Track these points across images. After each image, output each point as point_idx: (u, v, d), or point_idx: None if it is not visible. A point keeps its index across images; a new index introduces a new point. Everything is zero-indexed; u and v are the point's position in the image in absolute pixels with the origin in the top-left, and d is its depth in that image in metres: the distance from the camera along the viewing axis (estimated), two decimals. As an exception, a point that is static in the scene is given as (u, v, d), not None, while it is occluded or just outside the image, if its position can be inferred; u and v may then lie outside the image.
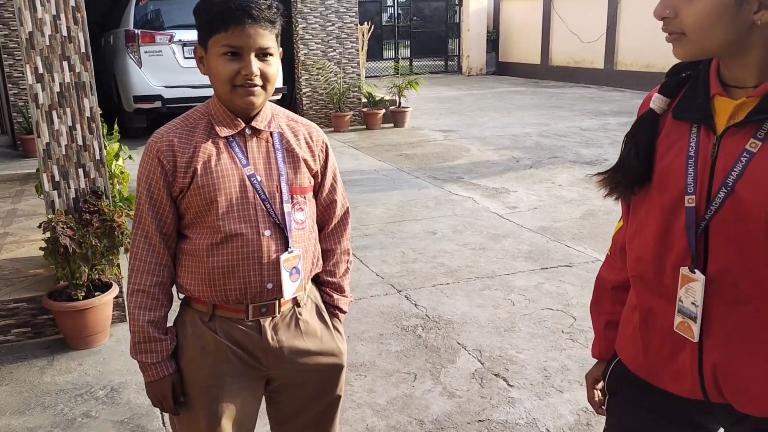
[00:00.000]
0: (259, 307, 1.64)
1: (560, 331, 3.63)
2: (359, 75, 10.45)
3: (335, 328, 1.78)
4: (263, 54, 1.56)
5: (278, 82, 1.61)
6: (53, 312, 3.51)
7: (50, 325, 3.62)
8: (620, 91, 14.12)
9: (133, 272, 1.64)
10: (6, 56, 8.48)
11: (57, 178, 3.52)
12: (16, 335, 3.60)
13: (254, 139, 1.65)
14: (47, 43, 3.40)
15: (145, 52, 8.56)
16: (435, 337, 3.58)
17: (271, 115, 1.68)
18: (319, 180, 1.76)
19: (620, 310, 1.45)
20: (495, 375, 3.19)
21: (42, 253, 3.52)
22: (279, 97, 9.32)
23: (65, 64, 3.44)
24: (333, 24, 10.03)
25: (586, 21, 15.61)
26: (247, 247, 1.60)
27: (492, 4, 18.53)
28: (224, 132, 1.63)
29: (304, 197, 1.69)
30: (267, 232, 1.61)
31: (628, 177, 1.29)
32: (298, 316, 1.70)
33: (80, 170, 3.56)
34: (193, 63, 8.68)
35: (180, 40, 8.70)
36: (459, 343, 3.51)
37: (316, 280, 1.80)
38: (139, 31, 8.60)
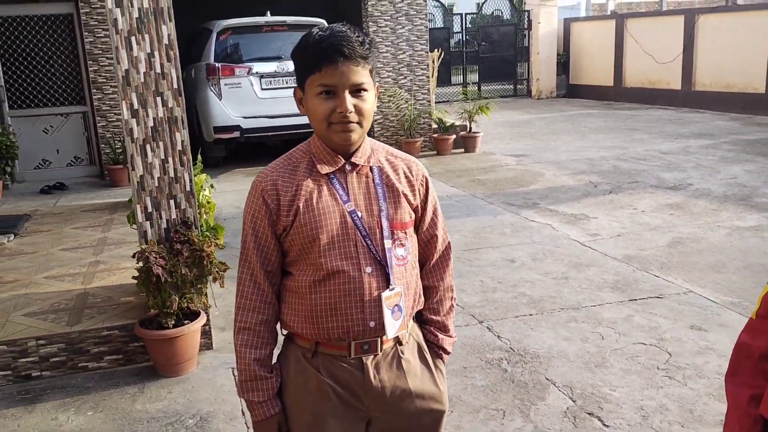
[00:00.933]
0: (362, 344, 1.63)
1: (655, 368, 3.46)
2: (429, 101, 10.47)
3: (438, 369, 1.74)
4: (357, 90, 1.57)
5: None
6: (144, 340, 3.61)
7: (141, 353, 3.72)
8: (699, 113, 13.63)
9: (239, 310, 1.66)
10: (95, 90, 8.92)
11: (149, 209, 3.64)
12: (109, 362, 3.71)
13: (354, 174, 1.66)
14: (142, 80, 3.54)
15: (225, 84, 8.84)
16: (522, 372, 3.48)
17: (370, 150, 1.69)
18: (420, 214, 1.74)
19: (765, 384, 1.30)
20: (589, 414, 3.06)
21: (132, 280, 3.64)
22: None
23: (159, 99, 3.57)
24: (404, 52, 10.12)
25: (661, 41, 15.20)
26: (349, 285, 1.60)
27: (562, 26, 18.32)
28: (325, 169, 1.64)
29: (405, 233, 1.68)
30: (368, 269, 1.60)
31: None
32: (401, 355, 1.68)
33: (171, 201, 3.67)
34: (270, 94, 8.94)
35: (258, 72, 8.95)
36: (548, 379, 3.40)
37: (419, 318, 1.77)
38: (220, 64, 8.90)
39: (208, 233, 4.09)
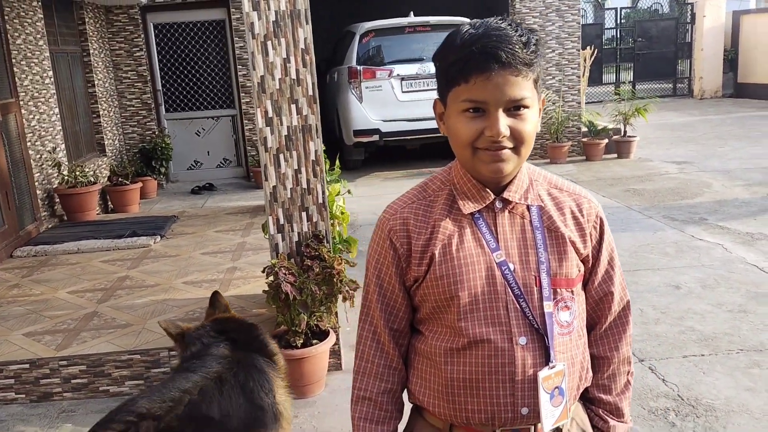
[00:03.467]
0: None
1: None
2: (579, 102, 9.78)
3: (608, 464, 1.35)
4: (515, 107, 1.21)
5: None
6: (272, 357, 3.45)
7: (269, 370, 3.57)
8: None
9: (359, 375, 1.36)
10: (243, 94, 9.16)
11: (281, 221, 3.49)
12: (238, 376, 3.60)
13: (506, 214, 1.29)
14: (277, 86, 3.39)
15: (366, 87, 8.74)
16: (694, 428, 2.93)
17: (528, 183, 1.32)
18: (590, 266, 1.35)
19: None
20: (785, 494, 2.49)
21: (263, 291, 3.50)
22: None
23: (293, 107, 3.40)
24: (553, 51, 9.52)
25: None
26: (497, 359, 1.24)
27: (730, 20, 16.62)
28: (468, 207, 1.29)
29: (571, 291, 1.30)
30: (522, 340, 1.24)
31: None
32: (561, 448, 1.30)
33: (303, 214, 3.49)
34: (410, 97, 8.72)
35: (399, 75, 8.77)
36: (727, 439, 2.84)
37: (584, 397, 1.39)
38: (361, 67, 8.81)
39: (340, 246, 3.89)
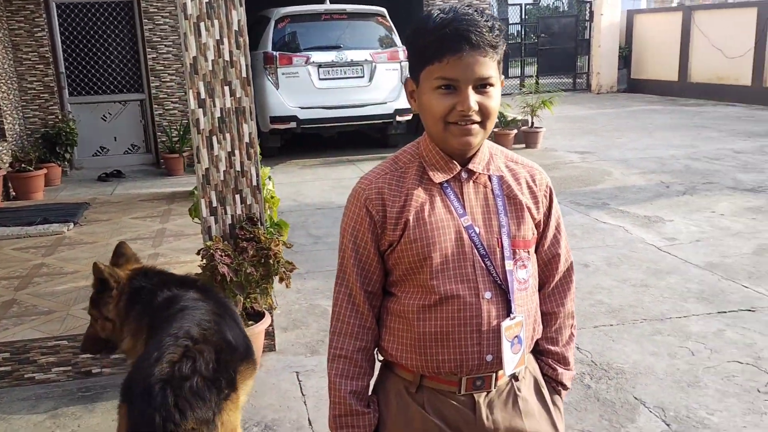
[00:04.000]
0: (474, 379, 1.41)
1: (755, 390, 3.15)
2: (489, 94, 10.14)
3: (556, 408, 1.52)
4: (482, 85, 1.34)
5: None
6: (206, 339, 3.46)
7: (202, 352, 3.58)
8: (772, 110, 12.94)
9: (335, 335, 1.46)
10: (153, 78, 8.90)
11: (214, 203, 3.49)
12: (170, 360, 3.58)
13: (471, 183, 1.43)
14: (210, 68, 3.38)
15: (283, 73, 8.71)
16: (607, 389, 3.21)
17: (489, 156, 1.46)
18: (542, 230, 1.50)
19: None
20: (688, 441, 2.79)
21: (195, 275, 3.49)
22: (409, 117, 9.20)
23: (227, 89, 3.41)
24: (465, 42, 9.83)
25: (731, 35, 14.48)
26: (465, 312, 1.37)
27: (625, 18, 17.66)
28: (438, 177, 1.42)
29: (528, 252, 1.45)
30: (487, 294, 1.38)
31: None
32: (517, 392, 1.45)
33: (237, 196, 3.51)
34: (327, 84, 8.76)
35: (315, 62, 8.79)
36: (636, 398, 3.12)
37: (534, 349, 1.54)
38: (277, 53, 8.76)
39: (272, 229, 3.92)
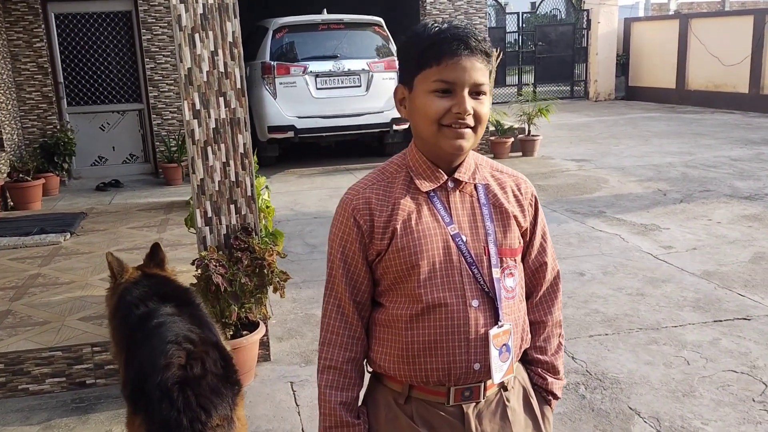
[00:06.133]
0: (462, 390, 1.41)
1: (750, 400, 3.15)
2: (487, 102, 10.17)
3: (545, 418, 1.52)
4: (476, 92, 1.37)
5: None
6: (201, 349, 3.46)
7: (197, 362, 3.57)
8: (769, 117, 12.98)
9: (325, 346, 1.46)
10: (151, 88, 8.93)
11: (209, 214, 3.50)
12: (165, 370, 3.58)
13: (457, 193, 1.45)
14: (205, 79, 3.40)
15: (280, 83, 8.73)
16: (602, 399, 3.21)
17: (474, 166, 1.47)
18: (528, 239, 1.52)
19: None
20: (682, 451, 2.78)
21: (191, 284, 3.49)
22: (406, 126, 9.21)
23: (221, 100, 3.42)
24: (462, 51, 9.86)
25: (727, 42, 14.54)
26: (452, 320, 1.38)
27: (622, 26, 17.74)
28: (425, 186, 1.43)
29: (514, 260, 1.46)
30: (474, 303, 1.39)
31: None
32: (506, 402, 1.46)
33: (232, 206, 3.52)
34: (324, 94, 8.79)
35: (313, 72, 8.82)
36: (631, 408, 3.12)
37: (523, 359, 1.55)
38: (275, 62, 8.79)
39: (267, 239, 3.93)
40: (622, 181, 7.90)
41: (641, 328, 3.96)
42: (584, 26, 17.76)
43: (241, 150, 3.47)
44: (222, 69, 3.40)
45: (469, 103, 1.35)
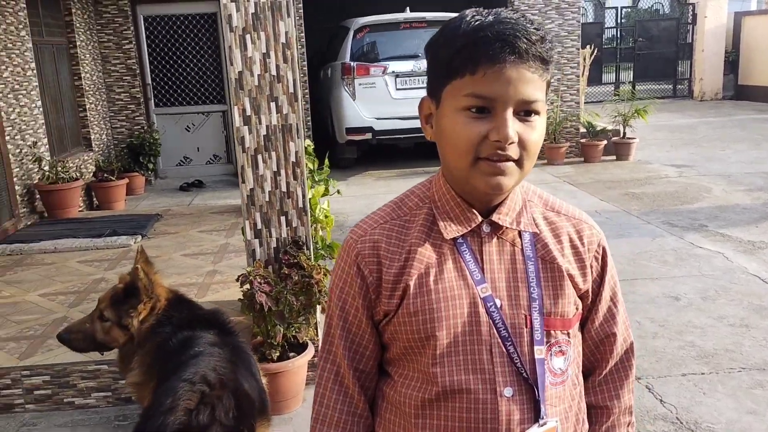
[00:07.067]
0: None
1: None
2: (578, 102, 9.58)
3: None
4: (526, 111, 1.01)
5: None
6: (247, 370, 3.26)
7: (244, 382, 3.38)
8: None
9: (318, 423, 1.15)
10: (234, 90, 8.95)
11: (259, 226, 3.29)
12: (212, 389, 3.41)
13: (494, 240, 1.10)
14: (256, 83, 3.18)
15: (360, 84, 8.54)
16: (693, 455, 2.75)
17: (521, 204, 1.12)
18: (590, 303, 1.15)
19: None
20: None
21: (239, 300, 3.31)
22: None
23: (273, 105, 3.20)
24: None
25: None
26: (477, 413, 1.05)
27: (732, 21, 16.44)
28: (451, 231, 1.09)
29: (567, 333, 1.10)
30: (507, 391, 1.05)
31: None
32: None
33: (282, 218, 3.29)
34: (404, 94, 8.51)
35: (393, 72, 8.56)
36: (729, 469, 2.65)
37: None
38: (355, 63, 8.60)
39: (323, 251, 3.69)
40: (728, 191, 7.16)
41: (744, 368, 3.42)
42: (689, 21, 16.60)
43: (292, 159, 3.24)
44: (274, 72, 3.17)
45: (513, 127, 1.00)
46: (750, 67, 16.10)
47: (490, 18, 1.02)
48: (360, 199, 7.50)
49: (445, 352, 1.06)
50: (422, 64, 8.56)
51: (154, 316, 2.47)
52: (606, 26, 17.14)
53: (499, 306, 1.07)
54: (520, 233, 1.10)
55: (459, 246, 1.09)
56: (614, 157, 9.23)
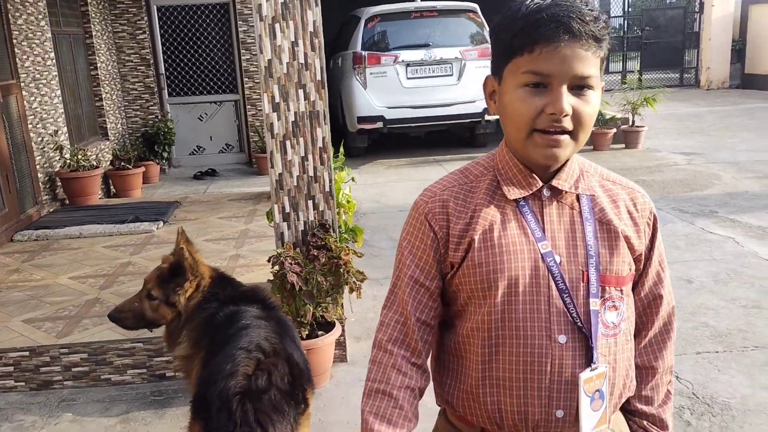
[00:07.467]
0: None
1: None
2: (587, 92, 9.63)
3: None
4: (580, 86, 1.12)
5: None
6: (277, 348, 3.38)
7: (273, 361, 3.51)
8: None
9: (375, 365, 1.24)
10: (246, 79, 9.05)
11: (287, 209, 3.40)
12: (242, 367, 3.53)
13: (554, 203, 1.20)
14: (285, 70, 3.29)
15: (371, 73, 8.62)
16: (710, 427, 2.86)
17: (579, 172, 1.22)
18: (641, 266, 1.25)
19: None
20: (807, 498, 2.42)
21: (268, 281, 3.42)
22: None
23: (301, 92, 3.30)
24: (561, 38, 9.39)
25: None
26: (532, 357, 1.16)
27: (739, 10, 16.43)
28: (513, 193, 1.20)
29: (620, 291, 1.21)
30: (562, 338, 1.16)
31: None
32: (598, 457, 1.22)
33: (309, 202, 3.40)
34: (415, 83, 8.59)
35: (404, 61, 8.65)
36: (744, 440, 2.77)
37: (624, 408, 1.30)
38: (366, 52, 8.68)
39: (346, 235, 3.80)
40: (737, 178, 7.24)
41: (758, 347, 3.54)
42: (696, 10, 16.60)
43: (319, 144, 3.34)
44: (302, 60, 3.28)
45: (568, 101, 1.10)
46: (757, 56, 16.11)
47: (547, 1, 1.12)
48: (371, 187, 7.60)
49: (506, 300, 1.17)
50: (432, 53, 8.65)
51: (200, 293, 2.57)
52: (613, 15, 17.13)
53: (558, 262, 1.17)
54: (578, 197, 1.21)
55: (521, 207, 1.20)
56: (623, 146, 9.31)
